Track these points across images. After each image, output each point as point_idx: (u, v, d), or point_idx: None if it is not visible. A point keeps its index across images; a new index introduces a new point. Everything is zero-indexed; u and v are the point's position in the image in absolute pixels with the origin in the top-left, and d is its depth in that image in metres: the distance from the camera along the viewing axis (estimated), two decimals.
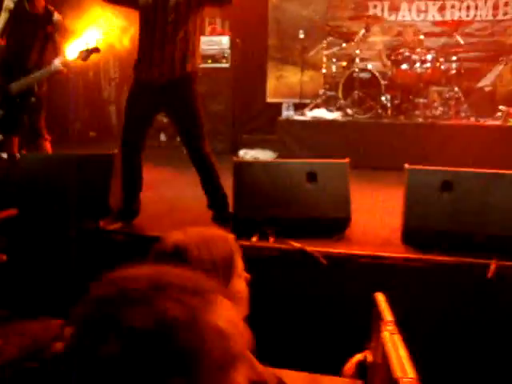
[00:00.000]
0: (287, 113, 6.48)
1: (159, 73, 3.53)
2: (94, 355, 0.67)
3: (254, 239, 3.37)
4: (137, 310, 0.69)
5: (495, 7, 6.76)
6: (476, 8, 6.80)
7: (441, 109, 6.19)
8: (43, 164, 4.08)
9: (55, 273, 3.62)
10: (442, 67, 6.21)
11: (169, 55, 3.50)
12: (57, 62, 4.26)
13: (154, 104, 3.66)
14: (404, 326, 1.86)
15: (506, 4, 6.73)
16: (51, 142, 4.65)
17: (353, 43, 6.46)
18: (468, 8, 6.82)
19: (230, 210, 3.64)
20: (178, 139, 6.58)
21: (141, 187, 3.80)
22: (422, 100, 6.17)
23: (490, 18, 6.80)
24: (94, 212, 3.78)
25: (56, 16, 4.39)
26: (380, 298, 2.25)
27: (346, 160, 3.56)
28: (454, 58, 6.17)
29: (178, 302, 0.70)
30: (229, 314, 0.76)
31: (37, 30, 4.30)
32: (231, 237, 1.64)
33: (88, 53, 4.17)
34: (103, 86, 7.82)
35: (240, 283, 1.71)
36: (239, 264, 1.68)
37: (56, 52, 4.38)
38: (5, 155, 4.49)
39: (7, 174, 4.11)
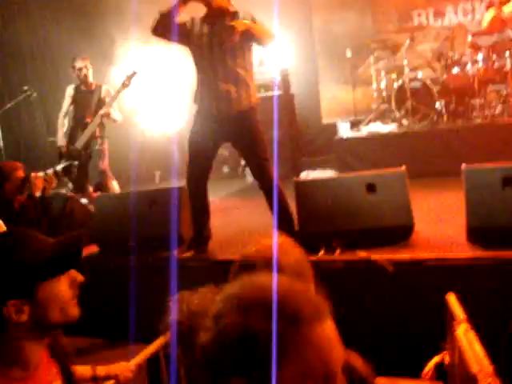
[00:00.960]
0: (343, 131, 6.59)
1: (222, 107, 3.71)
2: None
3: (321, 253, 3.48)
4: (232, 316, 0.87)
5: None
6: None
7: (500, 107, 6.11)
8: (118, 202, 4.38)
9: (138, 302, 3.85)
10: (496, 65, 6.14)
11: (230, 90, 3.68)
12: (101, 112, 5.23)
13: (217, 137, 3.84)
14: (476, 326, 1.91)
15: None
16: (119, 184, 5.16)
17: (400, 54, 6.53)
18: None
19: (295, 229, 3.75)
20: (240, 170, 6.88)
21: (209, 215, 3.99)
22: (478, 101, 6.12)
23: None
24: (167, 243, 4.01)
25: (104, 88, 5.49)
26: (451, 298, 2.31)
27: (403, 168, 3.63)
28: (507, 53, 6.07)
29: (270, 317, 0.84)
30: (329, 332, 0.87)
31: (90, 101, 5.38)
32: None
33: (128, 78, 4.84)
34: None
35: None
36: (311, 273, 1.80)
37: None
38: (85, 200, 4.89)
39: (90, 216, 4.44)
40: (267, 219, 3.89)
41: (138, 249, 4.05)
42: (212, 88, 3.72)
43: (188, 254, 3.92)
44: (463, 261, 3.19)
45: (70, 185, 5.01)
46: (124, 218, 4.19)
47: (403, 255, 3.32)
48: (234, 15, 3.69)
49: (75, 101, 5.43)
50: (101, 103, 5.33)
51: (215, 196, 4.19)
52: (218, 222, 4.24)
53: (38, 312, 1.37)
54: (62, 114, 5.43)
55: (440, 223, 3.93)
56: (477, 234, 3.32)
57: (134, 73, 5.05)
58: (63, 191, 4.80)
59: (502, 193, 3.29)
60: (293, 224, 3.77)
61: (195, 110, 3.90)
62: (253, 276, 0.96)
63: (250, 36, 3.62)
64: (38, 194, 3.93)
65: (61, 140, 5.34)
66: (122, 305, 3.89)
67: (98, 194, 4.72)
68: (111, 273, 4.03)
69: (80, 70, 5.35)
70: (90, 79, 5.45)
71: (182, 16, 3.69)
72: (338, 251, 3.47)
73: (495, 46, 6.22)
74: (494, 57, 6.11)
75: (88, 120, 5.25)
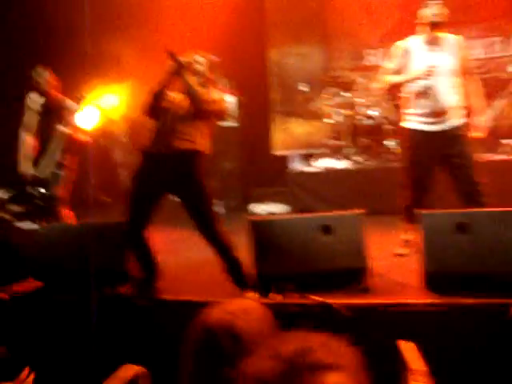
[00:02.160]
0: (294, 164, 6.58)
1: (167, 143, 3.64)
2: None
3: (276, 296, 3.37)
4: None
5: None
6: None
7: None
8: (63, 234, 4.16)
9: (79, 343, 3.62)
10: None
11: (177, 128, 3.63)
12: (60, 128, 4.67)
13: (160, 183, 3.69)
14: (433, 372, 1.84)
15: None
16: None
17: (354, 92, 6.60)
18: None
19: (246, 271, 3.65)
20: None
21: (153, 257, 3.82)
22: None
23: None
24: (112, 279, 3.81)
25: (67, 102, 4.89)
26: (405, 346, 2.23)
27: (361, 211, 3.59)
28: None
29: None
30: None
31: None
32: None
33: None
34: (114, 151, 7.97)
35: None
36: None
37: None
38: (26, 225, 4.59)
39: (27, 246, 4.18)
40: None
41: (84, 284, 3.83)
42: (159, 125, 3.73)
43: (134, 292, 3.74)
44: (419, 306, 3.17)
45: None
46: (71, 250, 3.97)
47: (360, 300, 3.26)
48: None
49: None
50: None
51: (164, 225, 4.01)
52: (167, 257, 4.09)
53: None
54: None
55: (394, 265, 3.92)
56: (432, 278, 3.31)
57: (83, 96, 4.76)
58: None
59: (457, 238, 3.31)
60: (241, 270, 3.67)
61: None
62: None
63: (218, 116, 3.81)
64: None
65: None
66: (66, 344, 3.67)
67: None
68: (57, 309, 3.79)
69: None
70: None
71: None
72: (292, 295, 3.38)
73: None
74: None
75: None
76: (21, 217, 4.64)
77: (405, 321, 3.08)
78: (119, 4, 6.87)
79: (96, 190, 7.62)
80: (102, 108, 5.27)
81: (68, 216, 4.77)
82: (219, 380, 1.48)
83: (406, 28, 4.39)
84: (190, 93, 3.62)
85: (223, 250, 3.65)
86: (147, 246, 3.78)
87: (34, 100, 4.87)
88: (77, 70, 5.90)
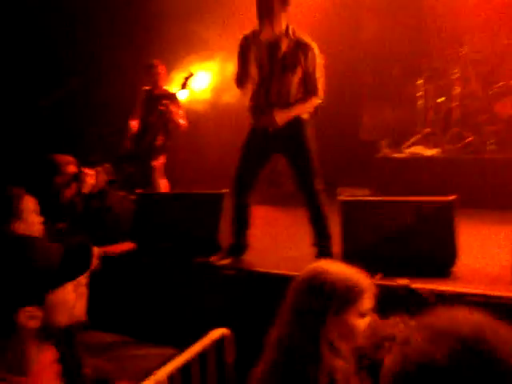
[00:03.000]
0: (385, 150, 6.52)
1: (267, 118, 3.74)
2: None
3: None
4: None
5: None
6: None
7: None
8: (159, 202, 4.41)
9: (170, 304, 3.86)
10: None
11: (282, 101, 3.72)
12: (160, 112, 5.21)
13: (268, 149, 3.87)
14: None
15: None
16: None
17: (449, 79, 6.44)
18: None
19: (332, 249, 3.73)
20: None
21: (249, 224, 3.99)
22: None
23: None
24: (205, 248, 4.02)
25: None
26: None
27: (452, 197, 3.56)
28: None
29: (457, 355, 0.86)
30: None
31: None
32: (362, 276, 1.78)
33: (185, 80, 4.83)
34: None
35: (356, 319, 1.84)
36: (364, 303, 1.81)
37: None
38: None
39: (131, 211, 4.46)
40: (304, 233, 3.86)
41: (175, 251, 4.07)
42: (261, 100, 3.80)
43: (225, 262, 3.92)
44: (506, 299, 3.12)
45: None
46: (164, 218, 4.21)
47: (445, 287, 3.25)
48: None
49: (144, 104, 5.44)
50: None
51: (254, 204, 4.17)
52: (256, 232, 4.23)
53: (47, 317, 1.40)
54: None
55: (483, 257, 3.86)
56: None
57: (191, 74, 5.06)
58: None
59: None
60: (330, 243, 3.76)
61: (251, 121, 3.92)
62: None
63: None
64: (86, 190, 3.96)
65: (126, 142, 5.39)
66: (155, 305, 3.93)
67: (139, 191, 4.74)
68: (147, 272, 4.05)
69: (155, 72, 5.35)
70: (162, 82, 5.44)
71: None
72: (378, 276, 3.42)
73: None
74: None
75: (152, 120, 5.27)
76: (123, 185, 4.99)
77: (489, 312, 3.05)
78: None
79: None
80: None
81: (165, 185, 5.11)
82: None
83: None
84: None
85: (318, 213, 3.74)
86: (248, 212, 3.94)
87: (142, 90, 5.50)
88: (177, 51, 6.21)
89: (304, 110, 3.80)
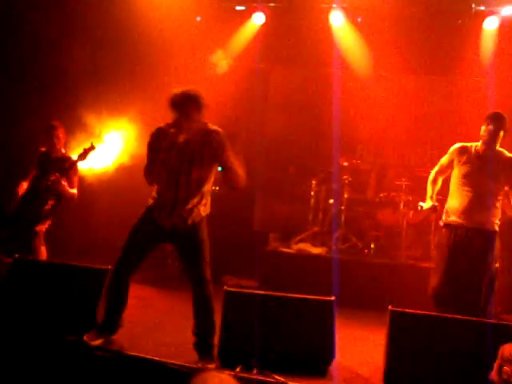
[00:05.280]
0: (274, 244, 6.68)
1: (176, 220, 3.71)
2: None
3: (238, 370, 3.38)
4: None
5: None
6: None
7: (421, 251, 6.46)
8: (36, 270, 4.16)
9: None
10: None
11: (182, 204, 3.70)
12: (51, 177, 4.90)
13: (161, 237, 3.81)
14: None
15: None
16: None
17: (342, 182, 6.85)
18: None
19: (216, 339, 3.66)
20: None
21: (125, 304, 3.83)
22: (404, 241, 6.43)
23: None
24: (80, 324, 3.79)
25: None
26: None
27: (332, 298, 3.68)
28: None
29: None
30: None
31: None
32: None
33: (85, 151, 4.63)
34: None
35: None
36: None
37: None
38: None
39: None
40: (186, 319, 3.76)
41: (47, 326, 3.80)
42: (164, 197, 3.77)
43: (97, 342, 3.70)
44: None
45: None
46: (40, 288, 3.97)
47: None
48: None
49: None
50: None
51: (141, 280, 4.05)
52: (136, 311, 4.09)
53: None
54: None
55: (358, 358, 3.96)
56: (393, 377, 3.35)
57: (92, 147, 4.84)
58: None
59: (424, 342, 3.39)
60: (213, 334, 3.68)
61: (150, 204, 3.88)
62: None
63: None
64: None
65: None
66: None
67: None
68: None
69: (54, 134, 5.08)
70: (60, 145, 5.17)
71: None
72: (254, 370, 3.39)
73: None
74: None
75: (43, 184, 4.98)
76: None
77: None
78: (132, 50, 7.13)
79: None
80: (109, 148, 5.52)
81: (43, 253, 4.83)
82: None
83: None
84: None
85: (203, 304, 3.66)
86: (126, 291, 3.80)
87: (39, 151, 5.23)
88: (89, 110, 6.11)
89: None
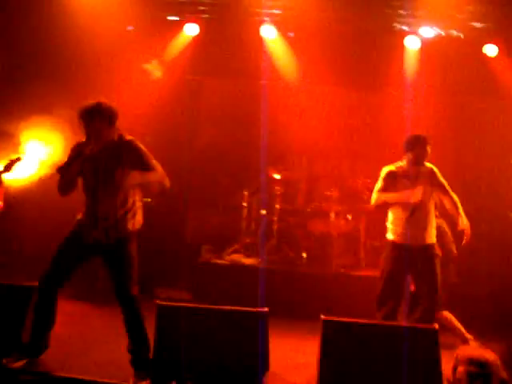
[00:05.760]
0: (206, 255, 6.65)
1: (98, 234, 3.64)
2: None
3: None
4: None
5: None
6: None
7: (352, 259, 6.62)
8: None
9: None
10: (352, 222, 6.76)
11: (103, 219, 3.63)
12: None
13: (89, 251, 3.72)
14: None
15: None
16: None
17: (274, 193, 6.93)
18: None
19: (150, 355, 3.59)
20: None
21: (53, 322, 3.70)
22: (335, 250, 6.56)
23: None
24: (5, 347, 3.61)
25: None
26: None
27: (266, 309, 3.69)
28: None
29: None
30: None
31: None
32: None
33: (11, 162, 4.46)
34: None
35: None
36: None
37: None
38: None
39: None
40: (118, 335, 3.67)
41: None
42: (89, 212, 3.71)
43: (18, 364, 3.54)
44: None
45: None
46: None
47: None
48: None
49: None
50: None
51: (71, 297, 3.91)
52: (65, 330, 3.94)
53: None
54: None
55: (291, 368, 4.00)
56: None
57: (18, 158, 4.68)
58: None
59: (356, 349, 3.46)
60: (148, 350, 3.62)
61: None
62: None
63: None
64: None
65: None
66: None
67: None
68: None
69: None
70: None
71: None
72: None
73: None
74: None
75: None
76: None
77: None
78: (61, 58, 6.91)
79: None
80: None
81: None
82: None
83: None
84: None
85: (133, 320, 3.58)
86: (53, 308, 3.67)
87: None
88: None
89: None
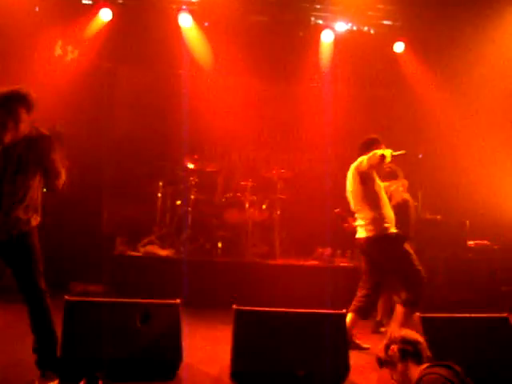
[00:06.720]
0: (121, 247, 6.53)
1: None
2: None
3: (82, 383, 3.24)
4: None
5: None
6: None
7: (267, 248, 6.74)
8: None
9: None
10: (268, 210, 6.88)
11: (5, 215, 3.41)
12: None
13: None
14: None
15: None
16: None
17: (190, 184, 6.89)
18: None
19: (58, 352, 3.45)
20: None
21: None
22: (250, 240, 6.65)
23: None
24: None
25: None
26: None
27: (178, 301, 3.68)
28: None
29: None
30: None
31: None
32: None
33: None
34: None
35: None
36: None
37: None
38: None
39: None
40: (22, 335, 3.51)
41: None
42: None
43: None
44: None
45: None
46: None
47: None
48: None
49: None
50: None
51: None
52: None
53: None
54: None
55: (206, 358, 4.03)
56: (240, 374, 3.45)
57: None
58: None
59: (267, 336, 3.54)
60: (55, 348, 3.47)
61: None
62: None
63: None
64: None
65: None
66: None
67: None
68: None
69: None
70: None
71: None
72: (100, 383, 3.28)
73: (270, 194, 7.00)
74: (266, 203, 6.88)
75: None
76: None
77: None
78: None
79: None
80: None
81: None
82: None
83: None
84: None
85: (40, 317, 3.41)
86: None
87: None
88: None
89: None
